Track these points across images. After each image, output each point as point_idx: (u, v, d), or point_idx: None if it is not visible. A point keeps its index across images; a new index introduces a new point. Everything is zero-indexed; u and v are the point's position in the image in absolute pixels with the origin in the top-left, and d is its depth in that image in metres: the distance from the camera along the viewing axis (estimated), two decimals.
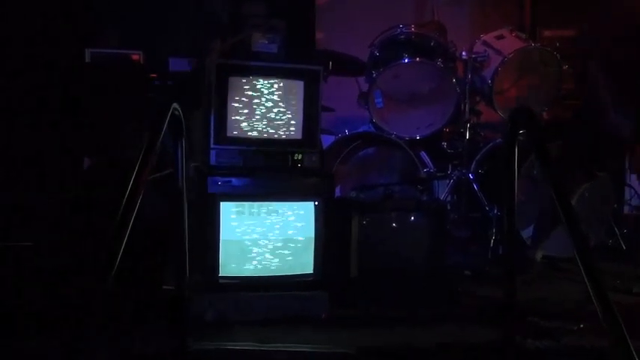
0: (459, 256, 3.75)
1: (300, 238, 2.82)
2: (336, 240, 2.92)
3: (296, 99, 2.93)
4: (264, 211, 2.78)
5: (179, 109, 2.04)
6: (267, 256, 2.79)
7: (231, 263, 2.75)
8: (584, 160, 3.75)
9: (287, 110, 2.92)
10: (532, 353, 2.44)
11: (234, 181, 2.80)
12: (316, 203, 2.84)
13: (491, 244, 3.68)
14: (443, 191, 4.11)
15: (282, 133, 2.93)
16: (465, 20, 5.10)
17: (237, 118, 2.87)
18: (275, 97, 2.91)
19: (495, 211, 3.79)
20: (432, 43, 4.09)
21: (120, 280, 1.47)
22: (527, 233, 3.69)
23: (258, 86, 2.89)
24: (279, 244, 2.80)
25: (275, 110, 2.91)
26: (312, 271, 2.84)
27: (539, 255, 3.59)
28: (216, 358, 2.37)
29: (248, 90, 2.87)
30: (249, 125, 2.88)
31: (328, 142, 4.00)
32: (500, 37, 4.14)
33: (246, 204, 2.77)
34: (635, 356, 1.39)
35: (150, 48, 3.48)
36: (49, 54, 3.25)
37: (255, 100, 2.88)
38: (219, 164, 2.85)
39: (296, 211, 2.82)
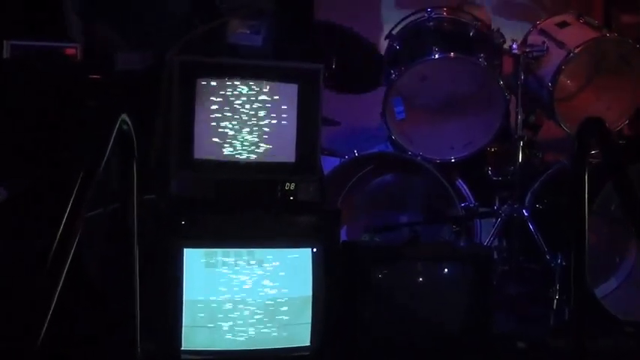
0: (511, 322, 3.74)
1: (294, 298, 2.84)
2: (342, 300, 2.93)
3: (287, 109, 2.95)
4: (243, 260, 2.79)
5: (129, 122, 2.06)
6: (248, 321, 2.79)
7: (199, 332, 2.75)
8: None
9: (275, 124, 2.95)
10: None
11: (204, 220, 2.82)
12: (315, 250, 2.86)
13: (554, 306, 3.67)
14: (487, 234, 4.12)
15: (269, 154, 2.95)
16: (515, 2, 5.16)
17: (208, 134, 2.89)
18: (259, 106, 2.93)
19: (559, 261, 3.80)
20: (471, 33, 4.12)
21: (48, 351, 1.48)
22: (602, 291, 3.69)
23: (237, 91, 2.91)
24: (265, 306, 2.81)
25: (259, 124, 2.94)
26: (309, 343, 2.84)
27: None
28: None
29: (222, 96, 2.90)
30: (223, 144, 2.91)
31: (331, 166, 4.02)
32: (563, 25, 4.17)
33: (220, 251, 2.78)
34: None
35: (91, 40, 3.52)
36: None
37: (232, 111, 2.91)
38: (182, 197, 2.87)
39: (288, 261, 2.84)
